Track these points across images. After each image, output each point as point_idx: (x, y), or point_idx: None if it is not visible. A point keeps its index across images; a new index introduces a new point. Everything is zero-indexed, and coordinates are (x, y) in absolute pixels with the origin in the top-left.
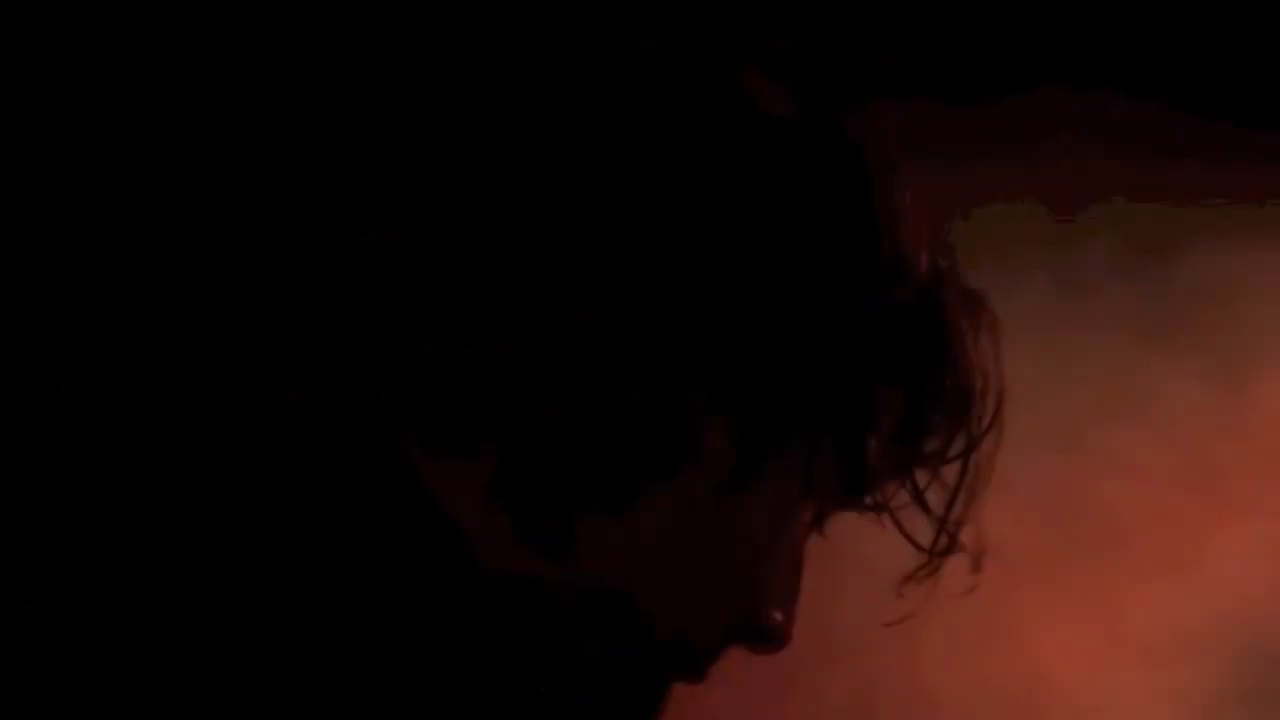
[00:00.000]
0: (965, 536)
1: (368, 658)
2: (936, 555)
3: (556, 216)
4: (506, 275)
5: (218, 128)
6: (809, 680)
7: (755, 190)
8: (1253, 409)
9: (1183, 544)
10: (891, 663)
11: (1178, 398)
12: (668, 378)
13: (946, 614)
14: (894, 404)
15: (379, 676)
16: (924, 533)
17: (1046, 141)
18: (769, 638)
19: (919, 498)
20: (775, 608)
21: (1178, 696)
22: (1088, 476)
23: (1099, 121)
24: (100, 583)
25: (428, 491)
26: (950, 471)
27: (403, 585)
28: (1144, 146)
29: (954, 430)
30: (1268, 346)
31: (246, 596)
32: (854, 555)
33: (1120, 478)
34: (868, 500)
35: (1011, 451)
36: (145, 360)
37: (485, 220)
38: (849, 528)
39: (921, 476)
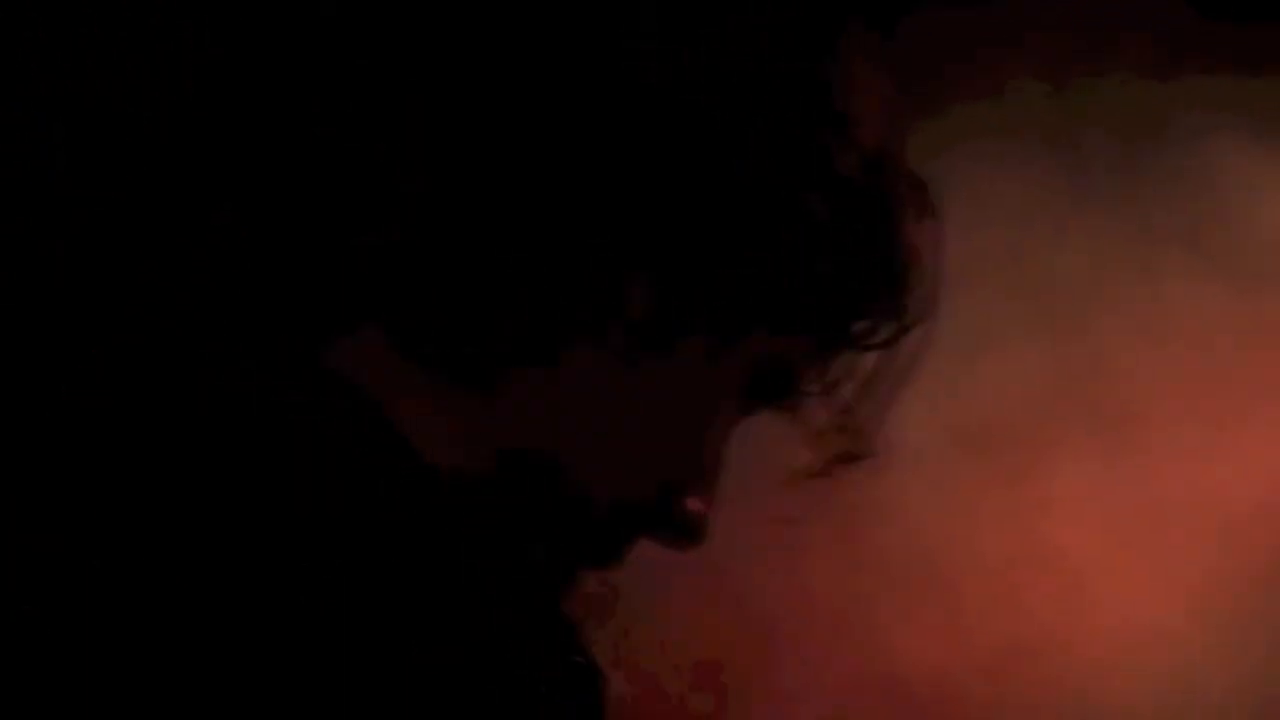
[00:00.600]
0: (873, 438)
1: (363, 651)
2: (839, 460)
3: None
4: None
5: (218, 127)
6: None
7: (695, 39)
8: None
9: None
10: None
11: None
12: (588, 229)
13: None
14: (826, 278)
15: (324, 583)
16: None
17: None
18: (686, 528)
19: (830, 389)
20: (693, 496)
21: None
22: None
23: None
24: (100, 582)
25: (425, 485)
26: (871, 367)
27: (399, 582)
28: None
29: (883, 316)
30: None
31: (246, 595)
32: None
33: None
34: (788, 390)
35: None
36: (145, 360)
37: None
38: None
39: (842, 369)
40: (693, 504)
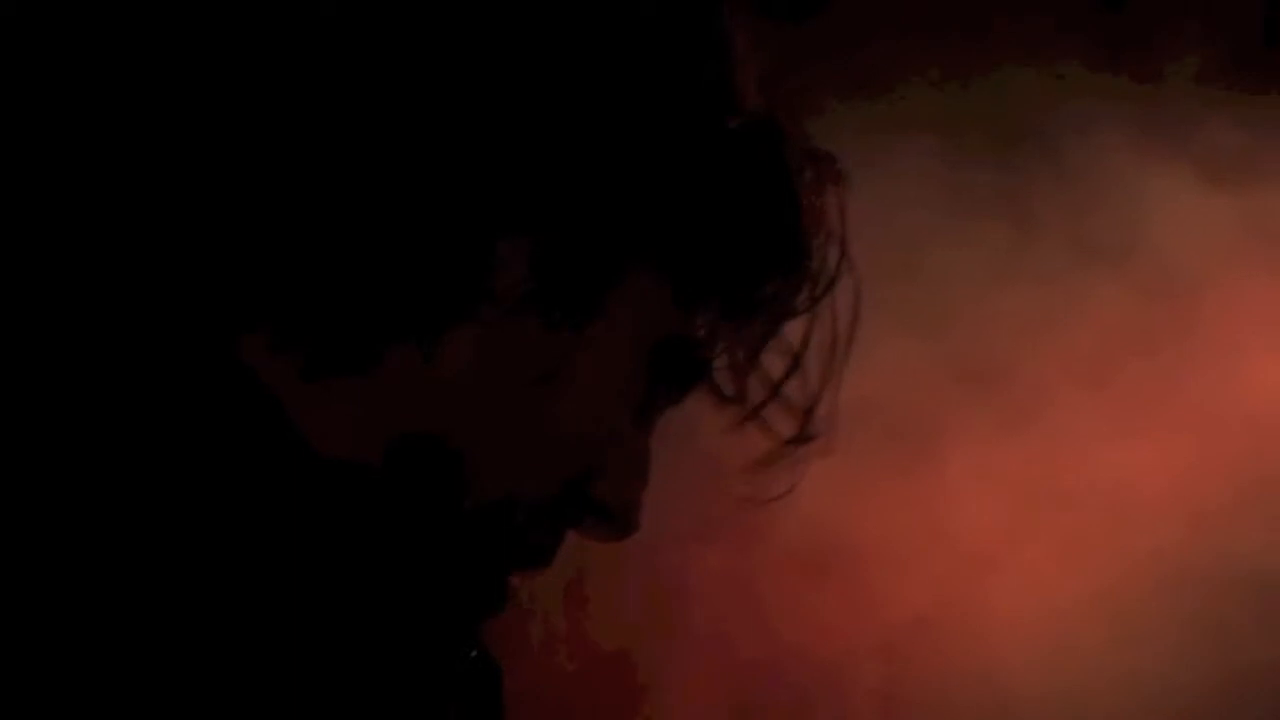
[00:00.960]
0: (819, 419)
1: (254, 648)
2: (791, 443)
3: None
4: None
5: (217, 127)
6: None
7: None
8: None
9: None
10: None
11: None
12: (456, 196)
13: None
14: (718, 240)
15: (221, 577)
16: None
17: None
18: (614, 516)
19: (754, 361)
20: (619, 485)
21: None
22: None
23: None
24: (100, 583)
25: (316, 478)
26: (807, 355)
27: (290, 578)
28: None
29: (789, 281)
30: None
31: (246, 593)
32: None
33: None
34: (701, 365)
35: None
36: (145, 360)
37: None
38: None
39: (763, 343)
40: (619, 490)
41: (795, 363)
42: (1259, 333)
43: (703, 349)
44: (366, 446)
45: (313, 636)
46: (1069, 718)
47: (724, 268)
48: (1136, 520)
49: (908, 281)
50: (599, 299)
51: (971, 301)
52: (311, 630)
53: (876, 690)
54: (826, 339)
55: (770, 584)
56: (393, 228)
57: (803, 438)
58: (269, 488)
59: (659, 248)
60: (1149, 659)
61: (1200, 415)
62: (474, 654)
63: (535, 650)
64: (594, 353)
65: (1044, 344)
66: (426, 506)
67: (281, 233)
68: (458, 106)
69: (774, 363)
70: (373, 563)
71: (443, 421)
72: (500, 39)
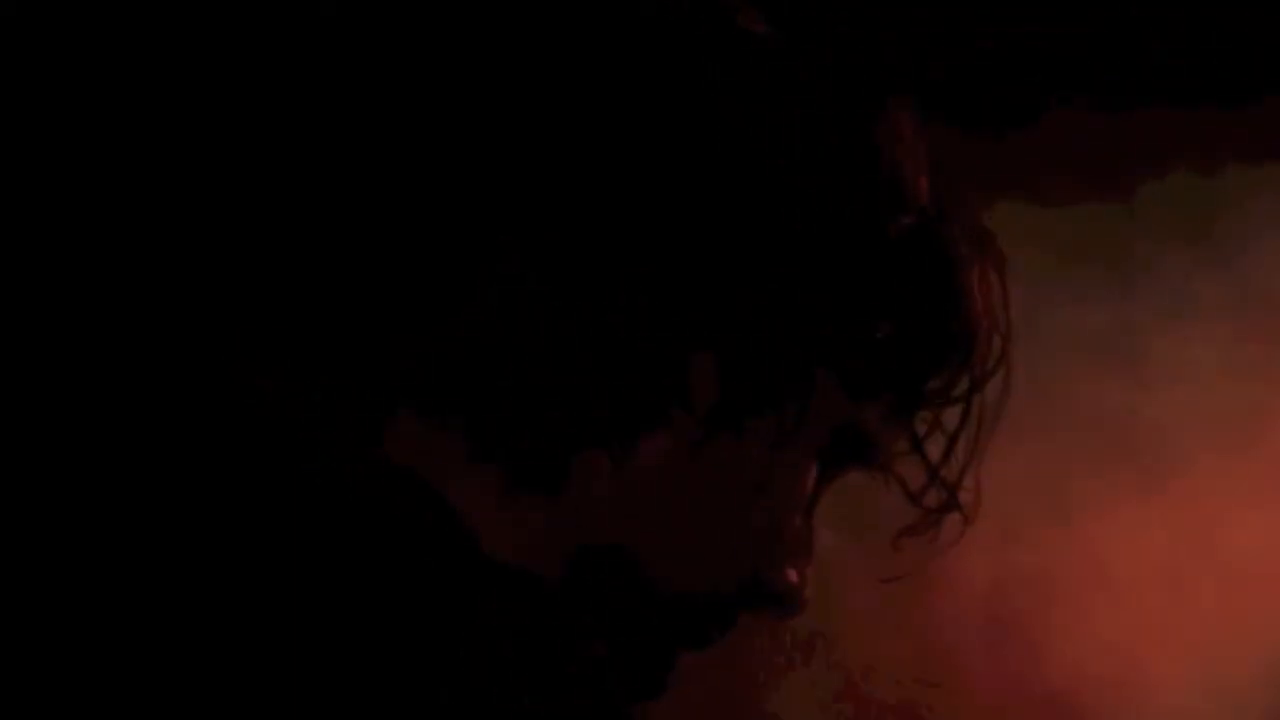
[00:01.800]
0: (966, 489)
1: (370, 656)
2: (935, 513)
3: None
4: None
5: (215, 127)
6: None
7: (742, 114)
8: None
9: None
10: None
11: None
12: (648, 313)
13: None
14: (893, 341)
15: (381, 675)
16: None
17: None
18: (783, 601)
19: (918, 447)
20: (787, 571)
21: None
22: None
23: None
24: (100, 582)
25: (427, 488)
26: (952, 419)
27: (404, 582)
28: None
29: (956, 371)
30: None
31: (246, 595)
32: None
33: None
34: (871, 452)
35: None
36: (143, 360)
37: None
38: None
39: (921, 424)
40: (785, 576)
41: (951, 444)
42: None
43: (871, 439)
44: (547, 559)
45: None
46: None
47: (897, 365)
48: None
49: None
50: (786, 408)
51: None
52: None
53: None
54: (979, 415)
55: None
56: (598, 343)
57: (947, 508)
58: (438, 588)
59: (835, 351)
60: None
61: None
62: None
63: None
64: (772, 449)
65: (1192, 407)
66: (603, 611)
67: (482, 348)
68: (650, 227)
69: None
70: (541, 648)
71: (628, 532)
72: (685, 160)
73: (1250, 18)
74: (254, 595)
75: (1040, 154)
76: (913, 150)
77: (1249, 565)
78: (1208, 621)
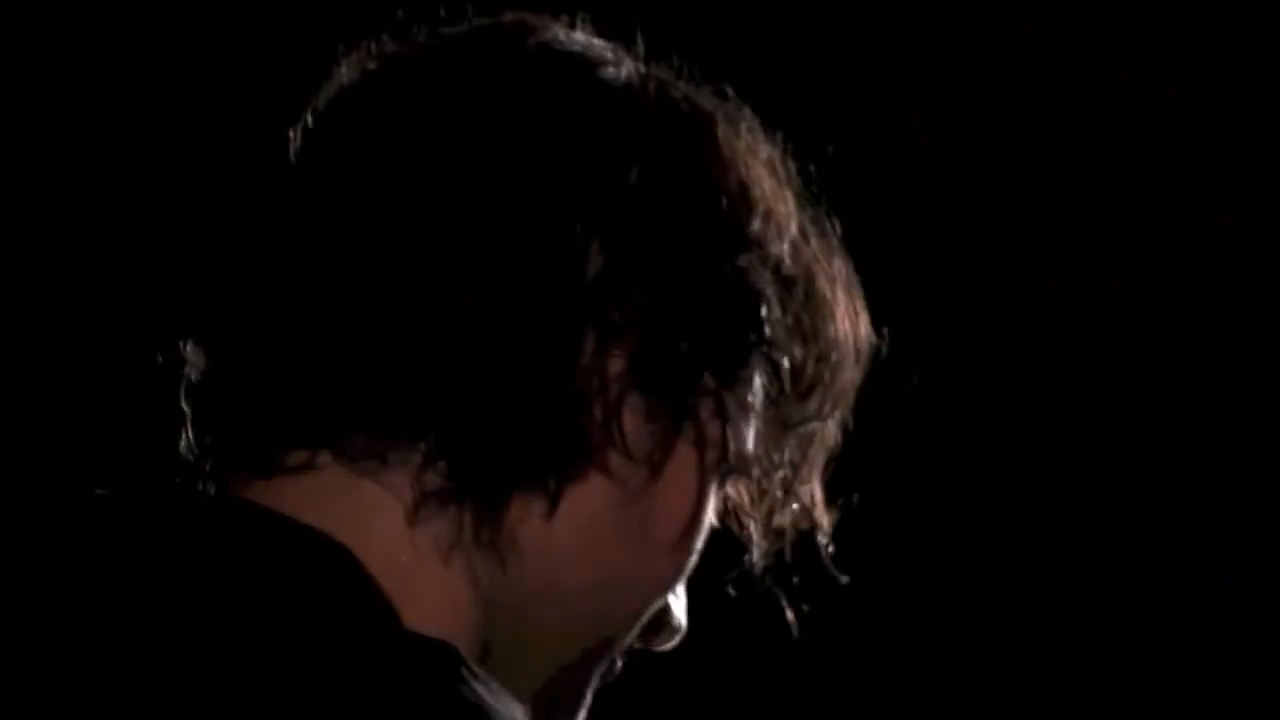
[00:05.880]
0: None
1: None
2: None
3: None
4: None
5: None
6: None
7: (596, 150)
8: None
9: None
10: None
11: None
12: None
13: None
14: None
15: None
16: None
17: None
18: (674, 629)
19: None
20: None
21: None
22: None
23: None
24: (100, 582)
25: None
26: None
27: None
28: None
29: (813, 393)
30: None
31: (248, 599)
32: None
33: None
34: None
35: None
36: (141, 358)
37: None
38: None
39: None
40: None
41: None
42: None
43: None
44: (469, 622)
45: None
46: None
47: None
48: None
49: None
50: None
51: None
52: None
53: None
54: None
55: None
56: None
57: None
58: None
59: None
60: None
61: None
62: None
63: None
64: (686, 482)
65: None
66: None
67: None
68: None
69: None
70: None
71: (544, 587)
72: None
73: None
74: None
75: None
76: (766, 185)
77: None
78: None
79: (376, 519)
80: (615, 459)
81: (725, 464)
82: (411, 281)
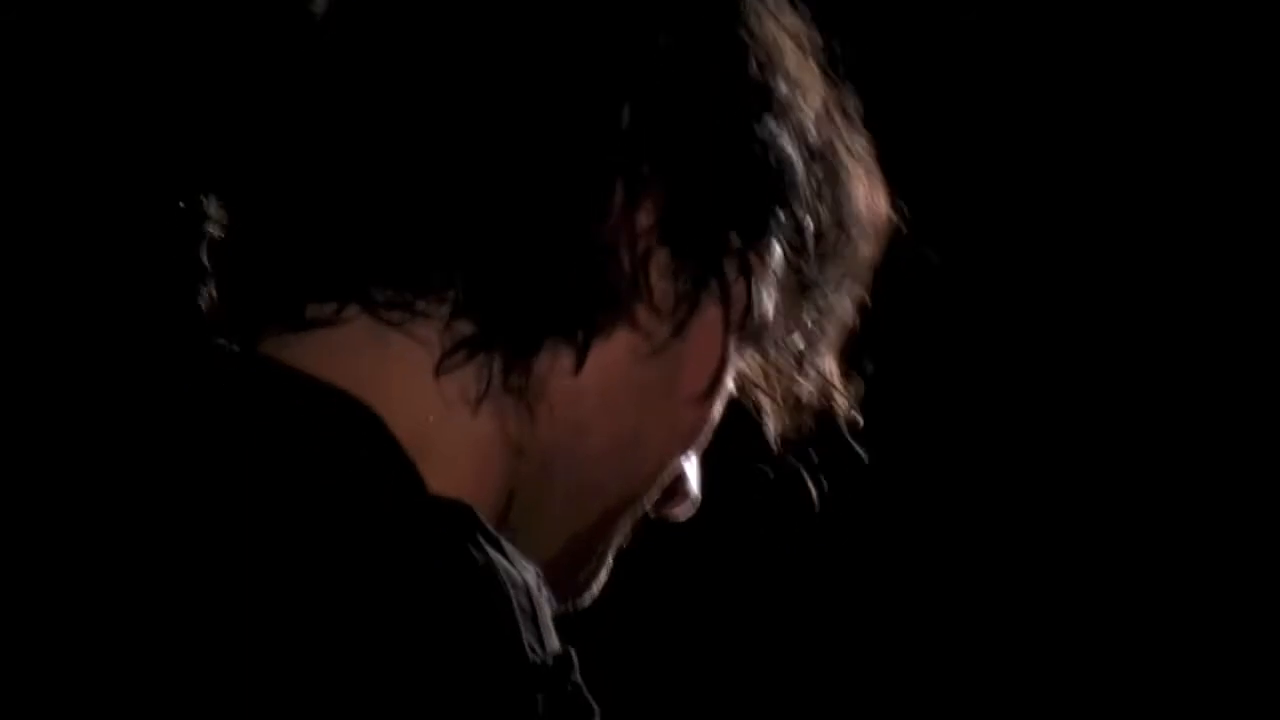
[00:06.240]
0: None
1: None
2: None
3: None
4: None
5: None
6: None
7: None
8: None
9: None
10: None
11: None
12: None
13: None
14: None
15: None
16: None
17: None
18: (689, 497)
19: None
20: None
21: None
22: None
23: None
24: (99, 582)
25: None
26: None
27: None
28: None
29: (831, 261)
30: None
31: (249, 595)
32: None
33: None
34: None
35: None
36: (140, 357)
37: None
38: None
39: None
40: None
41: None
42: None
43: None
44: (495, 483)
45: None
46: None
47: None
48: None
49: None
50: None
51: None
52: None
53: None
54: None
55: None
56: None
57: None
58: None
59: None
60: None
61: None
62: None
63: None
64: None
65: None
66: None
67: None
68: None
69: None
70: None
71: (572, 441)
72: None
73: None
74: (259, 597)
75: None
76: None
77: None
78: None
79: (403, 371)
80: (642, 313)
81: (749, 322)
82: (441, 130)
